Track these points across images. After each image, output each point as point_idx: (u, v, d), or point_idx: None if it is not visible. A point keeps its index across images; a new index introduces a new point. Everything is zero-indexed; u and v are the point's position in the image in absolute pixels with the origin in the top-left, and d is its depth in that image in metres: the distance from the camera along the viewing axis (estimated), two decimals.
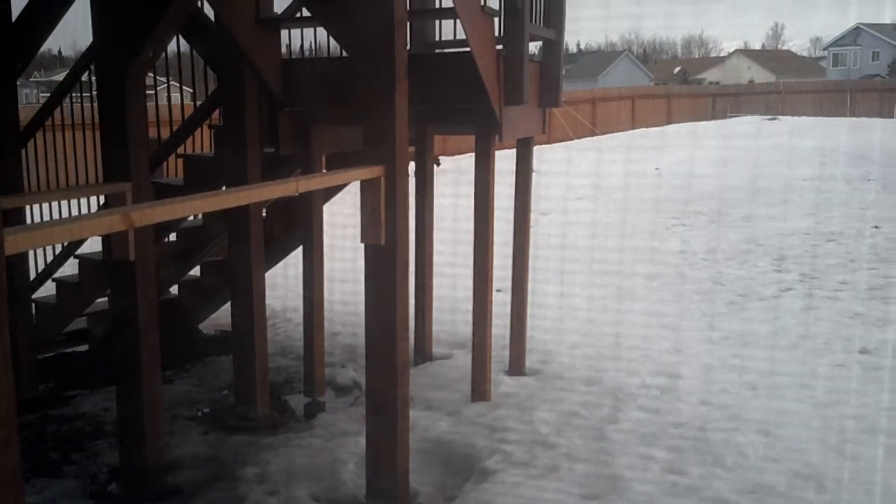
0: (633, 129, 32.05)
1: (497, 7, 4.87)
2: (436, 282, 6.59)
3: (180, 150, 5.95)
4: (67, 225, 2.59)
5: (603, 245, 10.58)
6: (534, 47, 5.86)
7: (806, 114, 36.93)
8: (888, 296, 8.07)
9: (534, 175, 6.04)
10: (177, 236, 6.23)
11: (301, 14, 5.65)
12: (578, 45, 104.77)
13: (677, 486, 4.22)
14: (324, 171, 5.78)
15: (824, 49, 77.43)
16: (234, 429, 5.25)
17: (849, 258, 9.81)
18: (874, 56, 66.11)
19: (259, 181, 5.10)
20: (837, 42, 70.94)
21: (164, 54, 5.73)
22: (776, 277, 8.97)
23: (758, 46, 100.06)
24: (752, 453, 4.59)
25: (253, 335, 5.30)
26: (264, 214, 6.01)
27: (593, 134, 29.00)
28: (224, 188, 5.54)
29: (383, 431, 3.89)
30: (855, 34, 68.61)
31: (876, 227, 11.72)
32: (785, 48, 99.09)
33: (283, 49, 5.71)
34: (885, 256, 9.81)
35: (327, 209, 6.21)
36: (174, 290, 6.97)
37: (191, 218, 6.06)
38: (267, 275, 6.15)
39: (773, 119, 35.02)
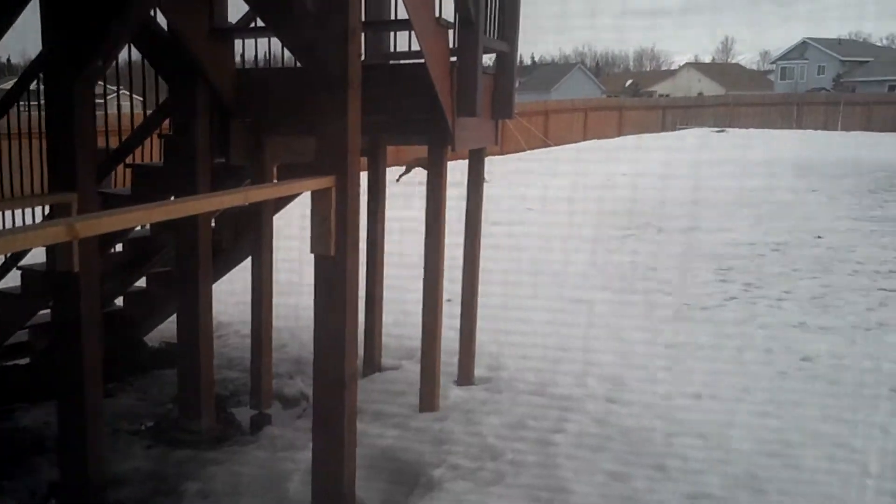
0: (585, 140, 32.41)
1: (452, 19, 4.91)
2: (387, 292, 6.59)
3: (129, 159, 5.88)
4: (10, 236, 2.56)
5: (553, 255, 10.67)
6: (488, 59, 5.93)
7: (754, 126, 37.74)
8: (829, 304, 8.28)
9: (485, 184, 6.09)
10: (123, 247, 6.15)
11: (255, 24, 5.63)
12: (533, 57, 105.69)
13: (621, 494, 4.28)
14: (275, 181, 5.77)
15: (772, 63, 79.17)
16: (178, 443, 5.19)
17: (792, 268, 10.04)
18: (820, 70, 67.72)
19: (209, 191, 5.07)
20: (785, 56, 72.56)
21: (115, 63, 5.67)
22: (721, 287, 9.15)
23: (708, 60, 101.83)
24: (693, 459, 4.67)
25: (198, 347, 5.25)
26: (213, 224, 5.97)
27: (546, 145, 29.24)
28: (173, 198, 5.50)
29: (330, 444, 3.88)
30: (802, 48, 70.24)
31: (819, 237, 12.02)
32: (734, 62, 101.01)
33: (238, 58, 5.70)
34: (827, 266, 10.06)
35: (279, 218, 6.19)
36: (119, 301, 6.86)
37: (138, 228, 5.99)
38: (215, 285, 6.11)
39: (722, 131, 35.70)
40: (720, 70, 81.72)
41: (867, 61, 67.16)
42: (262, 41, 6.10)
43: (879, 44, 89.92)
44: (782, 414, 5.40)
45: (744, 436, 5.03)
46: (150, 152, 6.20)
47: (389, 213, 6.42)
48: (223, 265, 6.39)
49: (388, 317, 6.62)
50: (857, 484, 4.40)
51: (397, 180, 17.80)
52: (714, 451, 4.82)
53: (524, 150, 26.61)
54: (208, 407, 5.35)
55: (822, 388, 5.91)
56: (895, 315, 7.78)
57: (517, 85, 5.97)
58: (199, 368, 5.25)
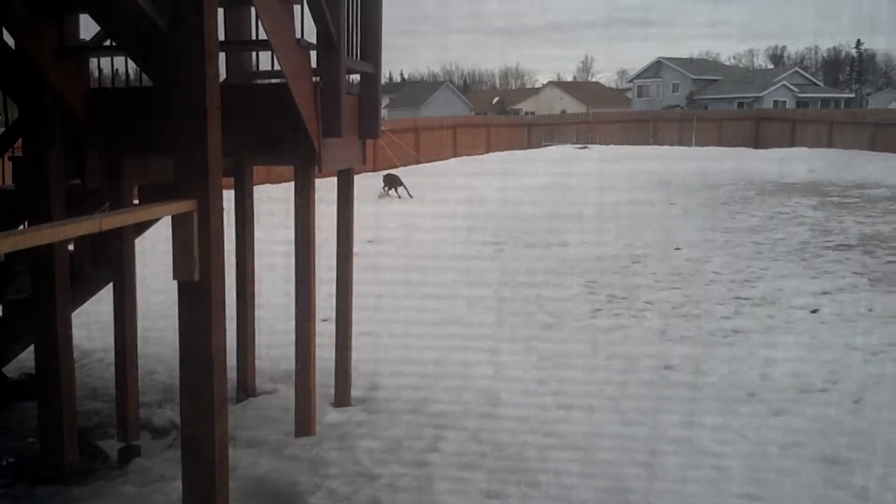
0: (454, 157, 32.87)
1: (313, 40, 4.88)
2: (262, 313, 6.47)
3: None
4: None
5: (426, 271, 10.75)
6: (354, 78, 5.93)
7: (614, 142, 39.26)
8: (689, 313, 8.66)
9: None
10: None
11: (110, 42, 5.44)
12: (401, 74, 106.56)
13: None
14: (136, 201, 5.57)
15: (630, 81, 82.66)
16: (41, 479, 4.93)
17: (654, 279, 10.47)
18: (674, 88, 71.18)
19: (64, 215, 4.85)
20: (641, 75, 75.93)
21: None
22: (588, 298, 9.44)
23: (570, 78, 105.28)
24: (565, 471, 4.77)
25: (59, 378, 5.02)
26: (72, 248, 5.71)
27: (417, 162, 29.45)
28: (27, 223, 5.24)
29: (201, 474, 3.76)
30: (657, 67, 73.66)
31: (678, 248, 12.58)
32: (594, 80, 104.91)
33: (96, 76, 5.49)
34: (686, 277, 10.54)
35: (144, 238, 5.99)
36: None
37: None
38: (77, 312, 5.84)
39: (584, 147, 36.95)
40: (581, 88, 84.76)
41: (717, 80, 71.14)
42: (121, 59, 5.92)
43: (728, 63, 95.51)
44: (647, 422, 5.60)
45: (613, 446, 5.17)
46: (2, 175, 5.88)
47: (269, 233, 6.32)
48: (84, 290, 6.11)
49: (263, 339, 6.51)
50: (718, 489, 4.60)
51: (380, 197, 19.85)
52: (585, 463, 4.93)
53: (396, 167, 26.70)
54: (72, 440, 5.12)
55: (684, 395, 6.16)
56: (750, 323, 8.22)
57: (386, 102, 6.01)
58: (60, 400, 5.02)
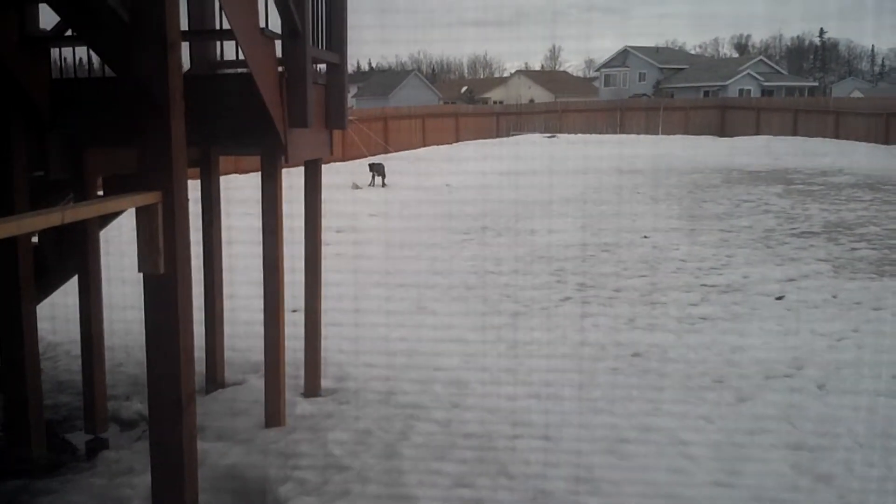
0: (424, 146, 32.85)
1: (278, 31, 4.84)
2: (231, 304, 6.44)
3: None
4: None
5: (397, 260, 10.75)
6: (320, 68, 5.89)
7: (581, 131, 39.49)
8: (656, 301, 8.74)
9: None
10: None
11: (72, 32, 5.36)
12: (370, 63, 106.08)
13: (466, 500, 4.34)
14: (100, 193, 5.51)
15: (597, 70, 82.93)
16: (8, 473, 4.87)
17: (622, 267, 10.54)
18: (641, 77, 71.53)
19: (27, 208, 4.79)
20: (608, 64, 76.19)
21: None
22: (556, 287, 9.49)
23: (537, 67, 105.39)
24: (534, 460, 4.81)
25: (24, 371, 4.98)
26: (36, 240, 5.64)
27: (386, 151, 29.40)
28: None
29: (169, 466, 3.74)
30: (623, 56, 73.98)
31: (645, 237, 12.68)
32: (562, 69, 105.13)
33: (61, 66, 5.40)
34: (653, 264, 10.63)
35: (110, 229, 5.92)
36: None
37: None
38: (43, 305, 5.77)
39: (552, 136, 37.09)
40: (549, 77, 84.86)
41: (683, 68, 71.60)
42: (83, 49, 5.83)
43: (693, 52, 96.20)
44: (615, 409, 5.65)
45: (581, 434, 5.21)
46: None
47: (236, 222, 6.27)
48: (50, 283, 6.04)
49: (232, 330, 6.47)
50: (686, 474, 4.65)
51: (369, 185, 20.34)
52: (553, 449, 4.98)
53: (365, 157, 26.64)
54: (39, 433, 5.08)
55: (652, 382, 6.22)
56: (716, 310, 8.31)
57: (354, 92, 5.99)
58: (26, 393, 4.98)
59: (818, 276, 9.66)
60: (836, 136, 30.52)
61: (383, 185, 20.34)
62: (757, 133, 35.30)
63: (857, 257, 10.66)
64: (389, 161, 24.34)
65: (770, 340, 7.19)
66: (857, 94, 59.95)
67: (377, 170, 20.80)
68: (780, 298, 8.66)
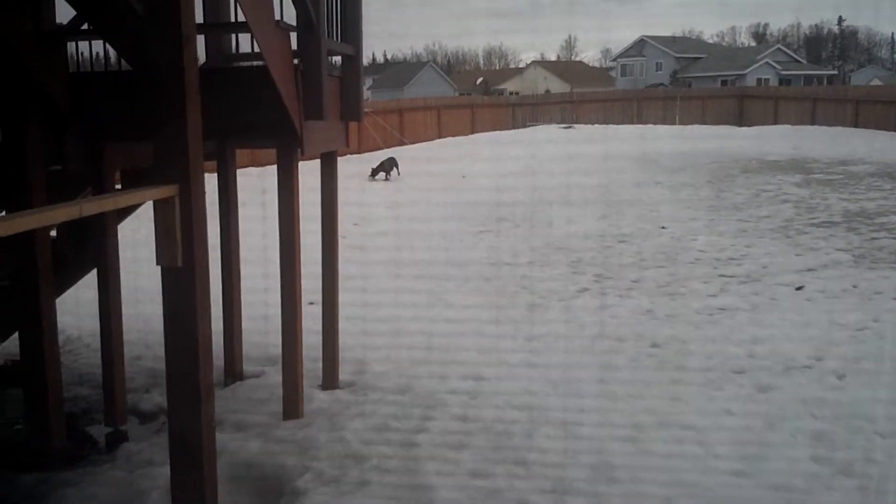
0: (439, 138, 32.81)
1: (293, 22, 4.84)
2: (249, 297, 6.45)
3: None
4: None
5: (413, 252, 10.75)
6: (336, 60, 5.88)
7: (598, 121, 39.31)
8: (675, 292, 8.70)
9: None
10: None
11: (88, 26, 5.37)
12: (385, 55, 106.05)
13: (483, 490, 4.34)
14: (118, 186, 5.53)
15: (613, 60, 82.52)
16: (28, 466, 4.90)
17: (639, 258, 10.50)
18: (658, 66, 71.11)
19: (44, 202, 4.81)
20: (625, 53, 75.80)
21: None
22: (574, 279, 9.46)
23: (553, 58, 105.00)
24: (552, 451, 4.80)
25: (44, 364, 4.99)
26: (56, 234, 5.67)
27: (402, 143, 29.38)
28: (5, 211, 5.18)
29: (188, 459, 3.75)
30: (640, 46, 73.56)
31: (663, 227, 12.62)
32: (578, 59, 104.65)
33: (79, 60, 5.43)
34: (672, 255, 10.58)
35: (129, 222, 5.94)
36: None
37: None
38: (62, 298, 5.80)
39: (569, 127, 36.96)
40: (565, 68, 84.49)
41: (701, 58, 71.12)
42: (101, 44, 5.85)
43: (711, 41, 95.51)
44: (634, 400, 5.62)
45: (599, 424, 5.19)
46: None
47: (253, 214, 6.28)
48: (69, 276, 6.07)
49: (249, 323, 6.49)
50: (704, 465, 4.63)
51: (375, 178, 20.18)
52: (571, 441, 4.96)
53: (381, 149, 26.65)
54: (59, 426, 5.10)
55: (671, 373, 6.19)
56: (735, 300, 8.26)
57: (369, 83, 5.98)
58: (46, 386, 4.99)
59: (838, 265, 9.58)
60: (856, 125, 30.21)
61: (398, 174, 20.34)
62: (775, 122, 35.00)
63: (877, 247, 10.56)
64: (405, 152, 24.33)
65: (790, 331, 7.13)
66: (876, 82, 59.34)
67: (390, 164, 20.62)
68: (799, 289, 8.59)
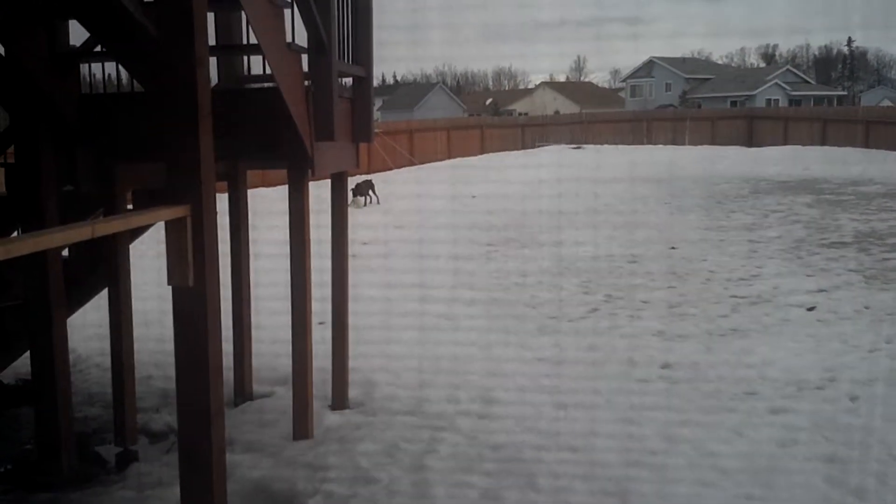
0: (449, 158, 32.89)
1: (304, 44, 4.87)
2: (259, 316, 6.46)
3: None
4: None
5: (422, 272, 10.73)
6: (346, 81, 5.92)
7: (608, 142, 39.32)
8: (685, 313, 8.66)
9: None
10: None
11: (101, 48, 5.42)
12: (395, 76, 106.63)
13: None
14: (130, 206, 5.56)
15: (623, 81, 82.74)
16: (38, 486, 4.91)
17: (649, 278, 10.46)
18: (667, 87, 71.23)
19: (56, 222, 4.84)
20: (634, 74, 75.97)
21: None
22: (583, 299, 9.43)
23: (562, 79, 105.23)
24: (563, 473, 4.77)
25: (55, 383, 5.01)
26: (67, 254, 5.70)
27: (412, 164, 29.48)
28: (18, 230, 5.22)
29: (198, 479, 3.75)
30: (649, 67, 73.72)
31: (673, 248, 12.58)
32: (587, 80, 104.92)
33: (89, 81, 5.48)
34: (682, 275, 10.54)
35: (140, 242, 5.96)
36: None
37: None
38: (73, 317, 5.82)
39: (578, 148, 36.99)
40: (574, 88, 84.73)
41: (710, 78, 71.22)
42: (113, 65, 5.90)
43: (720, 62, 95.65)
44: (645, 421, 5.59)
45: (610, 446, 5.17)
46: None
47: (264, 236, 6.31)
48: (80, 296, 6.11)
49: (260, 343, 6.50)
50: (716, 487, 4.59)
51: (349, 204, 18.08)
52: (581, 461, 4.93)
53: (391, 169, 26.74)
54: (69, 446, 5.11)
55: (682, 394, 6.15)
56: (746, 321, 8.22)
57: (379, 104, 6.02)
58: (57, 405, 5.00)
59: (849, 286, 9.53)
60: (866, 146, 30.15)
61: (376, 201, 19.21)
62: (785, 143, 34.95)
63: (888, 267, 10.51)
64: (415, 173, 24.36)
65: (801, 352, 7.09)
66: (886, 102, 59.26)
67: (360, 190, 19.01)
68: (811, 309, 8.55)
